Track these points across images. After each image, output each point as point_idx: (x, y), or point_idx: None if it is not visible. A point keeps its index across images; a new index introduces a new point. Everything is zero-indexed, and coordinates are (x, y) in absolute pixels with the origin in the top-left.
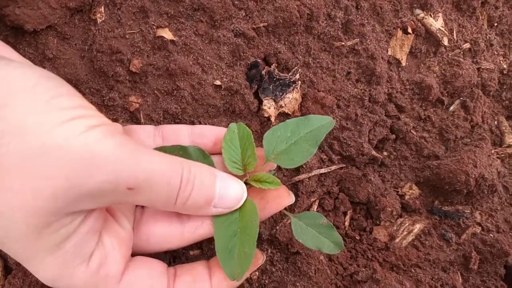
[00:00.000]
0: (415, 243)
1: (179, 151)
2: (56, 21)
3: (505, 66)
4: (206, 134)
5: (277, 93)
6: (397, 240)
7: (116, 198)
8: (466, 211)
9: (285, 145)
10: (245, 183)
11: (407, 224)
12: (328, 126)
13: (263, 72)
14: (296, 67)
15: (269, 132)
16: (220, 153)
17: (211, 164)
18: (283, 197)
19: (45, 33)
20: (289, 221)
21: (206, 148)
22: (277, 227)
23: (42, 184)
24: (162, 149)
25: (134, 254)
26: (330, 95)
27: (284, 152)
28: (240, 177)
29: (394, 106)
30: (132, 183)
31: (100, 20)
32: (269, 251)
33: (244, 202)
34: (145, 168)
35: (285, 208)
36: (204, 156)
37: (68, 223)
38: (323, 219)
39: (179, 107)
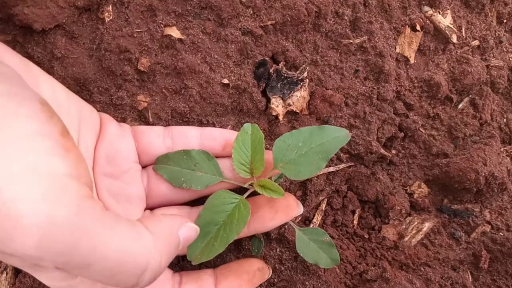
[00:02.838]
0: (424, 241)
1: (183, 155)
2: (64, 20)
3: None
4: (215, 136)
5: (285, 91)
6: (406, 238)
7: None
8: (475, 209)
9: (295, 155)
10: (250, 185)
11: (416, 223)
12: (343, 139)
13: (271, 71)
14: (304, 65)
15: (281, 139)
16: (228, 156)
17: (216, 166)
18: (292, 208)
19: (53, 32)
20: (297, 220)
21: (215, 151)
22: (286, 226)
23: None
24: (166, 156)
25: None
26: (338, 93)
27: (292, 162)
28: (246, 181)
29: (402, 104)
30: (62, 264)
31: (108, 19)
32: (278, 249)
33: (240, 205)
34: (86, 252)
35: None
36: (208, 158)
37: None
38: (326, 237)
39: (187, 106)
